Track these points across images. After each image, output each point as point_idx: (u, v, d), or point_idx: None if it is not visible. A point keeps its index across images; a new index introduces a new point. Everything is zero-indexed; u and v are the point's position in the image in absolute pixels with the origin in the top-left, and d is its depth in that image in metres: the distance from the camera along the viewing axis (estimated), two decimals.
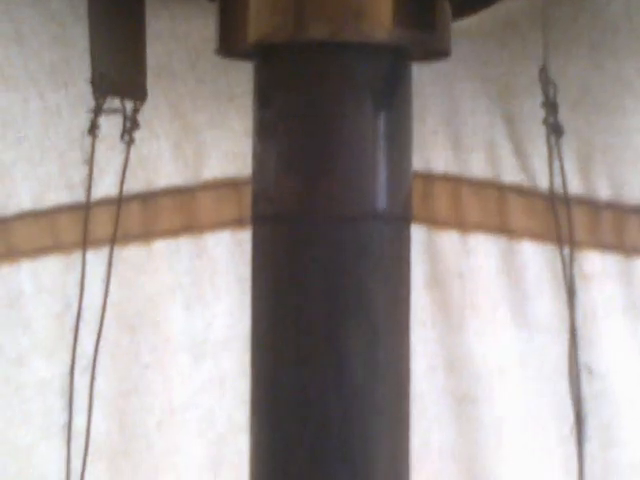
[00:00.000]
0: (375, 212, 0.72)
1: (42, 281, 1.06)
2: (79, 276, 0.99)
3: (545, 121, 0.83)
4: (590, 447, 1.02)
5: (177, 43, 0.95)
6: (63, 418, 1.01)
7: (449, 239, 1.05)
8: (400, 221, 0.75)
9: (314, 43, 0.70)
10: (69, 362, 0.99)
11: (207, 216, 1.06)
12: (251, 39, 0.72)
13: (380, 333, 0.75)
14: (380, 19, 0.69)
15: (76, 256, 1.00)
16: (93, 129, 0.88)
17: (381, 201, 0.72)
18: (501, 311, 1.06)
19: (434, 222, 1.04)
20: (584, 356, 1.02)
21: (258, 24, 0.72)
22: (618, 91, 0.93)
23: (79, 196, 0.98)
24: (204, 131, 1.03)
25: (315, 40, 0.69)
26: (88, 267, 0.98)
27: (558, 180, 0.91)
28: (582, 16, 0.92)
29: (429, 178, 1.00)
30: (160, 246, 1.06)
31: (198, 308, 1.10)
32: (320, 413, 0.73)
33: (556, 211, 0.95)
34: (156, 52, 0.89)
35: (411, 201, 0.75)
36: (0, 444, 1.12)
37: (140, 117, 0.90)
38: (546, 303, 1.04)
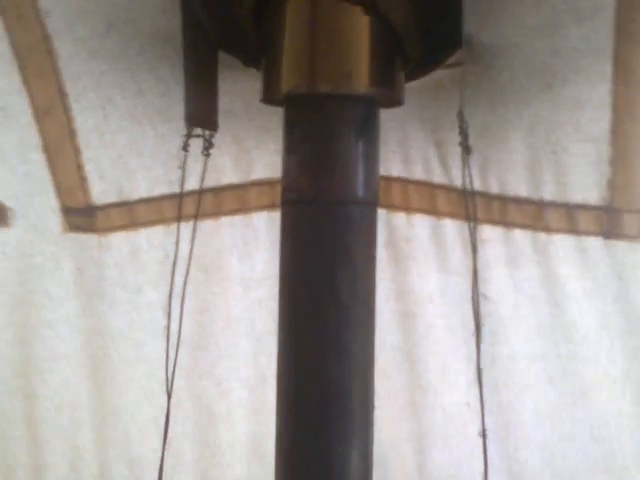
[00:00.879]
0: (357, 198, 0.74)
1: (152, 241, 1.05)
2: (175, 238, 0.94)
3: (461, 144, 0.82)
4: (484, 346, 0.96)
5: (236, 95, 0.95)
6: (164, 324, 0.96)
7: (399, 218, 1.04)
8: (371, 205, 0.77)
9: (320, 94, 0.72)
10: (168, 291, 0.94)
11: (253, 202, 1.05)
12: (282, 92, 0.73)
13: (358, 275, 0.77)
14: (362, 80, 0.71)
15: (173, 227, 0.97)
16: (185, 147, 0.89)
17: (360, 192, 0.74)
18: (430, 261, 1.05)
19: (391, 207, 1.04)
20: (481, 288, 0.96)
21: (286, 82, 0.73)
22: (503, 125, 0.92)
23: (175, 189, 0.97)
24: (252, 150, 1.03)
25: (321, 92, 0.71)
26: (180, 233, 0.95)
27: (467, 181, 0.89)
28: (485, 77, 0.89)
29: (389, 179, 1.01)
30: (224, 220, 1.06)
31: (246, 258, 1.08)
32: (320, 325, 0.76)
33: (466, 200, 0.92)
34: (223, 100, 0.87)
35: (378, 192, 0.77)
36: (124, 340, 1.10)
37: (214, 140, 0.91)
38: (458, 257, 1.03)
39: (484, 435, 0.90)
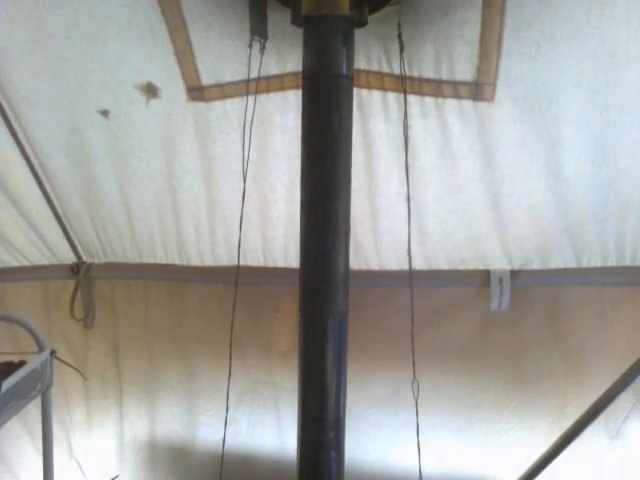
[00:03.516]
0: (342, 74, 0.88)
1: (234, 105, 1.13)
2: (245, 104, 1.06)
3: (400, 48, 0.95)
4: (409, 161, 1.07)
5: (276, 21, 0.98)
6: (241, 153, 1.08)
7: (364, 92, 1.08)
8: (350, 79, 0.90)
9: (322, 15, 0.84)
10: (242, 132, 1.06)
11: (287, 84, 1.10)
12: (302, 15, 0.86)
13: (343, 120, 0.91)
14: (345, 7, 0.84)
15: (244, 98, 1.08)
16: (250, 45, 0.97)
17: (344, 70, 0.88)
18: (381, 116, 1.11)
19: (358, 86, 1.06)
20: (410, 126, 1.09)
21: (304, 9, 0.85)
22: (421, 38, 0.98)
23: (245, 76, 1.03)
24: (285, 54, 1.05)
25: (322, 14, 0.84)
26: (248, 102, 1.06)
27: (402, 69, 0.99)
28: (413, 11, 0.94)
29: (358, 70, 1.03)
30: (272, 95, 1.12)
31: (284, 116, 1.15)
32: (322, 153, 0.91)
33: (402, 81, 1.02)
34: (269, 24, 0.97)
35: (353, 73, 0.90)
36: (220, 161, 1.22)
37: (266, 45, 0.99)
38: (396, 113, 1.10)
39: (409, 201, 1.07)
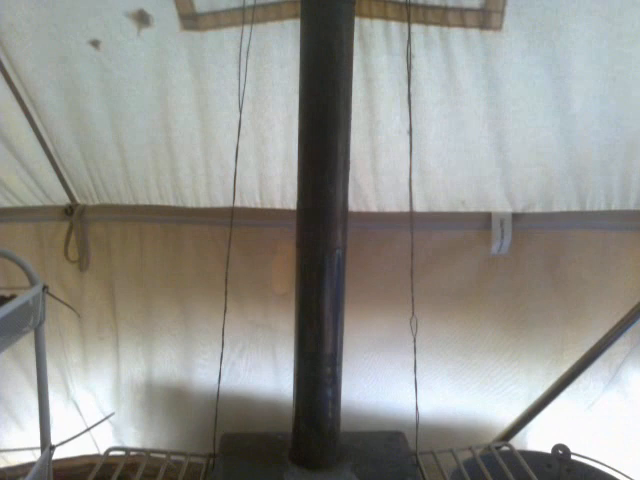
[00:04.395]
0: None
1: (230, 36, 1.10)
2: (240, 34, 1.04)
3: None
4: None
5: None
6: (237, 86, 1.10)
7: (365, 21, 1.06)
8: (352, 4, 0.88)
9: None
10: (238, 66, 1.08)
11: (285, 14, 1.07)
12: None
13: (344, 46, 0.89)
14: None
15: (240, 28, 1.06)
16: None
17: None
18: (382, 47, 1.08)
19: (360, 15, 1.04)
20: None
21: None
22: None
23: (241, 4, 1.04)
24: None
25: None
26: (244, 32, 1.04)
27: None
28: None
29: None
30: (269, 24, 1.08)
31: (281, 46, 1.11)
32: (322, 73, 0.89)
33: (407, 9, 1.01)
34: None
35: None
36: (215, 94, 1.17)
37: None
38: (399, 44, 1.07)
39: (410, 133, 1.06)
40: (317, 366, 1.07)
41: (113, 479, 1.11)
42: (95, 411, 1.65)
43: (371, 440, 1.24)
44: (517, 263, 1.34)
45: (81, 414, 1.67)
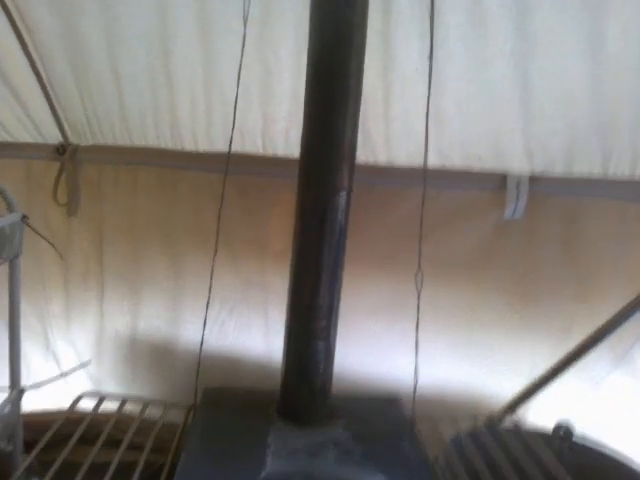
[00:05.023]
0: None
1: None
2: None
3: None
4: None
5: None
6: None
7: None
8: None
9: None
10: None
11: None
12: None
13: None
14: None
15: None
16: None
17: None
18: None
19: None
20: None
21: None
22: None
23: None
24: None
25: None
26: None
27: None
28: None
29: None
30: None
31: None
32: (336, 12, 0.84)
33: None
34: None
35: None
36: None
37: None
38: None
39: (430, 58, 0.97)
40: (311, 318, 1.01)
41: (83, 425, 1.04)
42: (75, 364, 1.57)
43: (366, 402, 1.16)
44: (530, 230, 1.26)
45: (60, 367, 1.59)
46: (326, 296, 1.01)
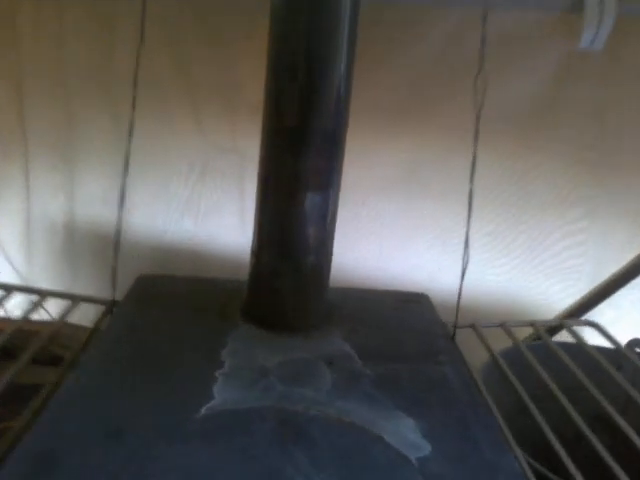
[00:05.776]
0: None
1: None
2: None
3: None
4: None
5: None
6: None
7: None
8: None
9: None
10: None
11: None
12: None
13: None
14: None
15: None
16: None
17: None
18: None
19: None
20: None
21: None
22: None
23: None
24: None
25: None
26: None
27: None
28: None
29: None
30: None
31: None
32: None
33: None
34: None
35: None
36: None
37: None
38: None
39: None
40: (299, 153, 0.64)
41: None
42: None
43: (380, 300, 0.82)
44: (613, 66, 0.92)
45: None
46: (326, 114, 0.61)
